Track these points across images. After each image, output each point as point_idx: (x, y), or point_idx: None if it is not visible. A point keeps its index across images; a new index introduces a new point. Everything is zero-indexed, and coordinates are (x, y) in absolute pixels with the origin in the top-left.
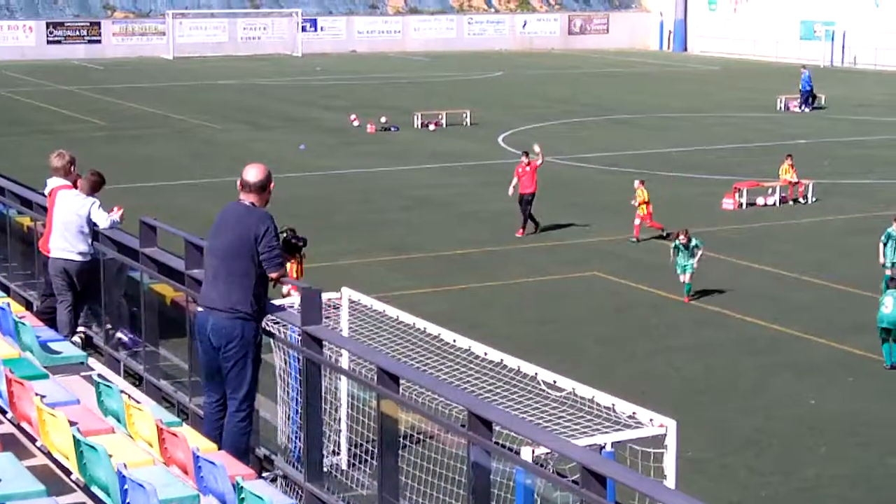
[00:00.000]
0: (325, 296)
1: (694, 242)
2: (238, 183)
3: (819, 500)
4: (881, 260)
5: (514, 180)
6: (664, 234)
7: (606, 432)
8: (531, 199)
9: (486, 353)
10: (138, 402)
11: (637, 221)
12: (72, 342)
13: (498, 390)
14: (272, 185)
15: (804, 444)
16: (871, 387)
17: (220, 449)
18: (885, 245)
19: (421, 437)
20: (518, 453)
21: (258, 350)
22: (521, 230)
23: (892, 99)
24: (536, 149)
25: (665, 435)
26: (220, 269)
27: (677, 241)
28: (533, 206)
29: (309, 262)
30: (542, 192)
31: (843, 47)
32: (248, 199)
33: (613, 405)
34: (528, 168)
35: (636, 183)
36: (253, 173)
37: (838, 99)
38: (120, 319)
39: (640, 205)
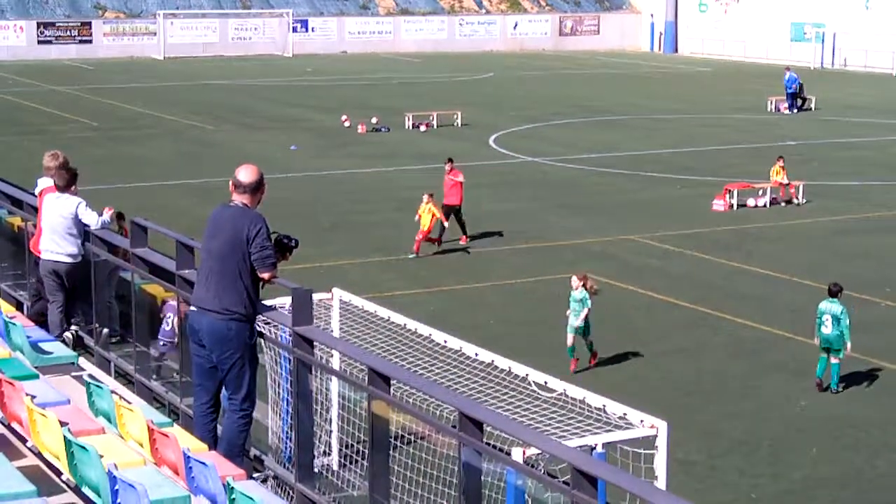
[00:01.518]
0: (315, 296)
1: (582, 295)
2: (231, 184)
3: (808, 501)
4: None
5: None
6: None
7: (597, 433)
8: (458, 209)
9: (476, 354)
10: (129, 403)
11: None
12: (62, 342)
13: (489, 391)
14: (265, 186)
15: (793, 446)
16: (859, 389)
17: (213, 449)
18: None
19: (412, 437)
20: (509, 454)
21: (254, 350)
22: (464, 237)
23: (882, 101)
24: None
25: (656, 436)
26: (214, 270)
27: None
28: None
29: (300, 262)
30: (535, 194)
31: (834, 49)
32: (240, 199)
33: (604, 406)
34: (452, 177)
35: (424, 197)
36: (246, 174)
37: (828, 101)
38: (110, 320)
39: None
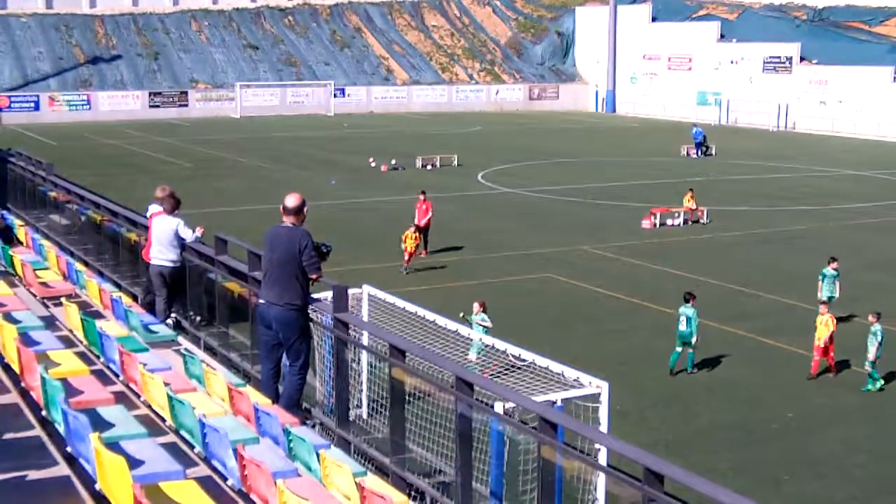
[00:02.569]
0: (350, 291)
1: (480, 317)
2: (281, 208)
3: (709, 439)
4: (819, 294)
5: (416, 213)
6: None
7: (557, 391)
8: (426, 229)
9: (469, 334)
10: (214, 369)
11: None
12: (166, 325)
13: (478, 361)
14: (306, 208)
15: (701, 402)
16: (749, 359)
17: (276, 403)
18: (822, 281)
19: (421, 395)
20: (492, 407)
21: (308, 331)
22: (424, 251)
23: (763, 149)
24: None
25: (600, 393)
26: (277, 275)
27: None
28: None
29: (337, 266)
30: (508, 216)
31: (728, 111)
32: (288, 220)
33: (562, 372)
34: (423, 206)
35: (412, 228)
36: (291, 200)
37: (725, 149)
38: (200, 308)
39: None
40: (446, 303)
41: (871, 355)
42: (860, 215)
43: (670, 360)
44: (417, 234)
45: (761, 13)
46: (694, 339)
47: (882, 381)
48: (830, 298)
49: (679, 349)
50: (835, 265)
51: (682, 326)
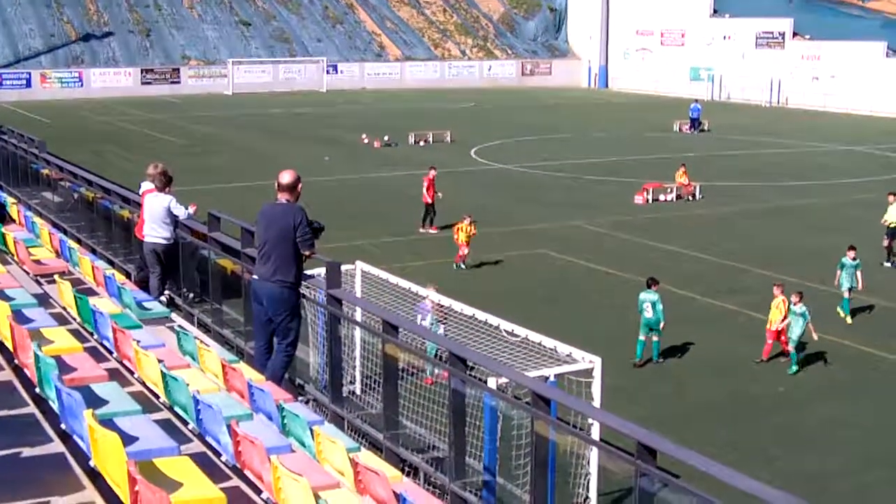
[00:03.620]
0: (343, 267)
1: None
2: (276, 184)
3: (701, 414)
4: (836, 283)
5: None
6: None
7: (550, 367)
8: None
9: (462, 309)
10: (207, 346)
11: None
12: (159, 302)
13: (471, 336)
14: (300, 185)
15: (693, 377)
16: (739, 334)
17: (265, 377)
18: (840, 271)
19: (414, 370)
20: (486, 382)
21: (298, 309)
22: (434, 227)
23: (755, 124)
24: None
25: (593, 369)
26: (271, 251)
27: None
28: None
29: (331, 242)
30: (501, 192)
31: (721, 86)
32: (283, 196)
33: (555, 347)
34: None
35: (466, 219)
36: (286, 177)
37: (718, 125)
38: (193, 285)
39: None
40: (439, 278)
41: (794, 335)
42: (854, 191)
43: (637, 352)
44: (472, 224)
45: None
46: (661, 325)
47: (798, 368)
48: (851, 289)
49: (643, 338)
50: (853, 254)
51: (648, 314)
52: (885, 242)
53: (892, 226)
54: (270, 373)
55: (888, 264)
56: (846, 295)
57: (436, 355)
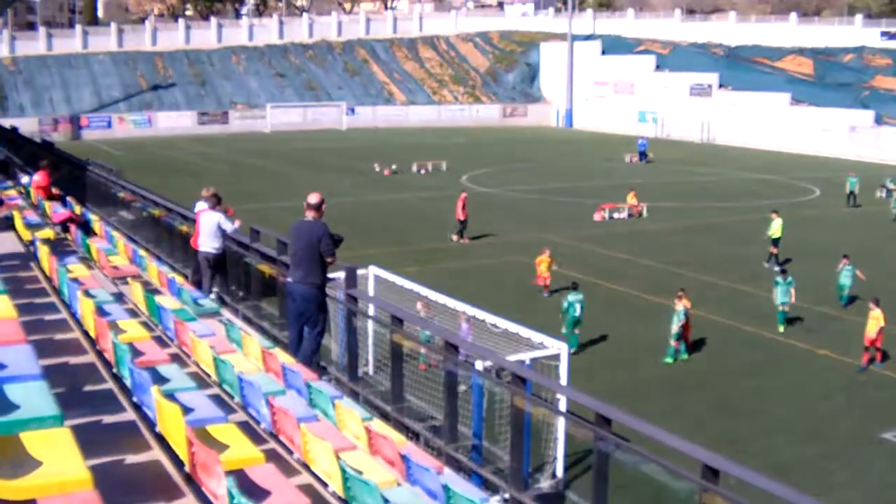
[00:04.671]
0: (359, 272)
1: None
2: (304, 204)
3: (648, 390)
4: (774, 299)
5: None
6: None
7: (526, 352)
8: (465, 221)
9: (454, 305)
10: (250, 335)
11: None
12: (210, 299)
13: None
14: (324, 205)
15: (641, 360)
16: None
17: (297, 361)
18: (776, 288)
19: (416, 355)
20: (474, 365)
21: (325, 305)
22: (465, 238)
23: (690, 157)
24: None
25: (560, 354)
26: (301, 259)
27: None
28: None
29: (350, 252)
30: (487, 210)
31: (662, 126)
32: (310, 215)
33: (530, 337)
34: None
35: (546, 252)
36: (313, 198)
37: (660, 157)
38: (239, 286)
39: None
40: (437, 280)
41: (673, 330)
42: (767, 210)
43: (572, 343)
44: (551, 258)
45: (688, 49)
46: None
47: (672, 359)
48: (784, 303)
49: (576, 332)
50: (846, 262)
51: (577, 312)
52: (773, 250)
53: (774, 237)
54: (303, 356)
55: (767, 265)
56: (780, 308)
57: (427, 341)
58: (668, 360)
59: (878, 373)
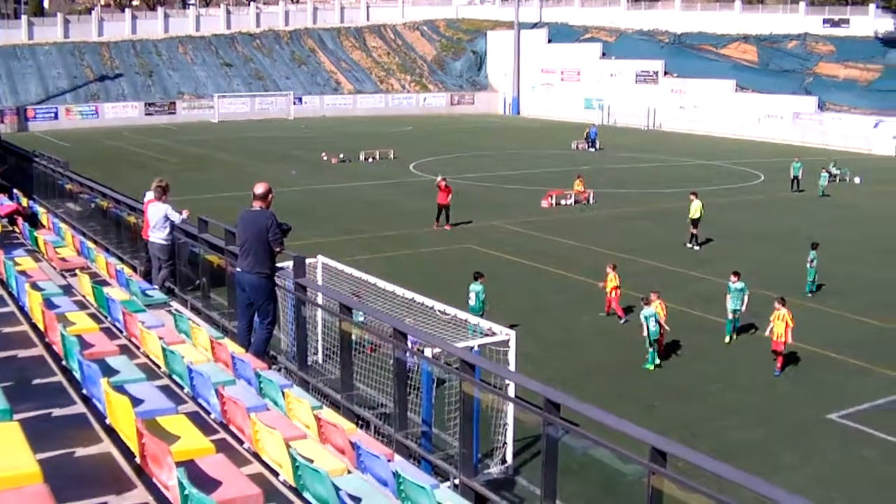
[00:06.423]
0: (307, 260)
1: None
2: (252, 194)
3: (597, 375)
4: (727, 305)
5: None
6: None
7: (474, 339)
8: (447, 207)
9: (403, 294)
10: (199, 325)
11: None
12: (160, 290)
13: (410, 315)
14: (272, 194)
15: (589, 345)
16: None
17: (247, 352)
18: (729, 294)
19: (365, 343)
20: (423, 352)
21: (275, 293)
22: (448, 225)
23: (636, 144)
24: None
25: (509, 340)
26: (249, 248)
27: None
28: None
29: (297, 240)
30: (434, 198)
31: (609, 113)
32: (257, 204)
33: (478, 322)
34: (444, 189)
35: (608, 268)
36: (259, 188)
37: (607, 144)
38: (187, 276)
39: (611, 290)
40: (386, 268)
41: (644, 332)
42: (712, 195)
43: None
44: (617, 275)
45: (634, 37)
46: (483, 313)
47: (652, 366)
48: (735, 311)
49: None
50: (735, 279)
51: (472, 301)
52: (693, 230)
53: (694, 218)
54: (255, 346)
55: (689, 245)
56: (730, 316)
57: (362, 322)
58: (649, 366)
59: (823, 354)
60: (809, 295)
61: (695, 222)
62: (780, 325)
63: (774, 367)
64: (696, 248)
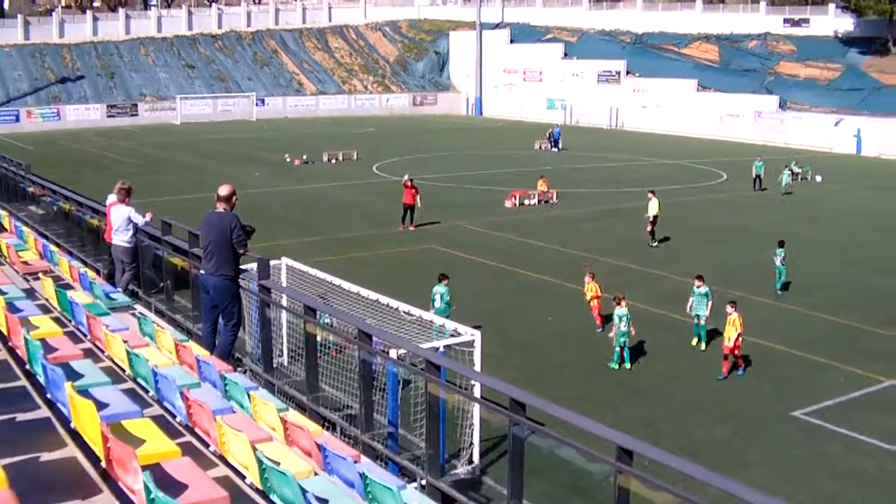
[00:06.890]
0: (271, 262)
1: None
2: (215, 196)
3: (561, 375)
4: (688, 310)
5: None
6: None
7: (440, 340)
8: (412, 207)
9: (367, 294)
10: (163, 328)
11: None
12: (123, 292)
13: (375, 316)
14: (235, 196)
15: (554, 345)
16: (578, 310)
17: (212, 354)
18: (692, 298)
19: (330, 344)
20: (388, 353)
21: (239, 296)
22: (412, 226)
23: (599, 143)
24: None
25: (474, 340)
26: (213, 251)
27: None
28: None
29: (261, 242)
30: (399, 199)
31: (571, 113)
32: (221, 206)
33: (443, 324)
34: (410, 190)
35: (586, 277)
36: (223, 190)
37: (569, 144)
38: (151, 279)
39: (591, 298)
40: (349, 269)
41: (612, 333)
42: (675, 195)
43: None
44: (597, 284)
45: (596, 37)
46: (449, 315)
47: (627, 364)
48: (698, 316)
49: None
50: (699, 283)
51: (437, 304)
52: (649, 228)
53: (651, 216)
54: (220, 349)
55: (654, 244)
56: (695, 321)
57: (327, 324)
58: (613, 365)
59: (786, 351)
60: (779, 293)
61: (653, 220)
62: (729, 329)
63: (733, 369)
64: (655, 244)
